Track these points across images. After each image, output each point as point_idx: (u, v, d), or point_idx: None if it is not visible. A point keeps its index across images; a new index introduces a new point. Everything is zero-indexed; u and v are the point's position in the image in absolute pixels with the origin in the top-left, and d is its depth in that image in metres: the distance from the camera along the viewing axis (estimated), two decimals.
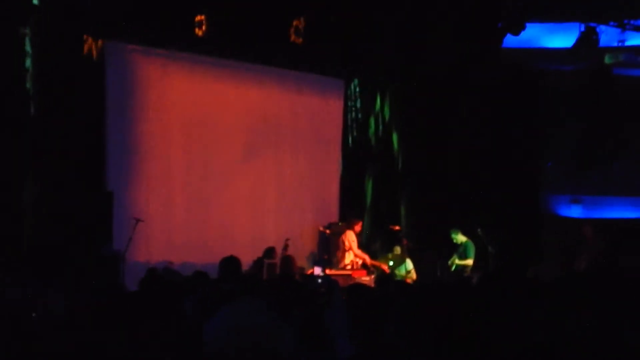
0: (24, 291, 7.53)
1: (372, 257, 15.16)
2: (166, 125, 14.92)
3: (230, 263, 8.10)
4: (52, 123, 13.01)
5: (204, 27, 14.45)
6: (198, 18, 14.42)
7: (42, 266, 11.64)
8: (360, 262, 14.46)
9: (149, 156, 14.70)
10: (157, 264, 12.12)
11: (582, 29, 16.86)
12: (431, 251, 15.86)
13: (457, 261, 15.19)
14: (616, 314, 5.71)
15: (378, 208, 17.47)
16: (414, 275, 15.09)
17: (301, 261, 14.22)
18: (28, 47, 12.89)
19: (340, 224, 16.17)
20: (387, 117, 17.34)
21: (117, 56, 14.42)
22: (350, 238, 14.58)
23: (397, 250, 15.08)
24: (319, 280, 12.48)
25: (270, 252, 13.92)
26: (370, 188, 17.56)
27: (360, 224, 15.16)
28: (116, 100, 14.34)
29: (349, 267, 14.30)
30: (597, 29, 16.68)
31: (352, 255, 14.47)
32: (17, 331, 6.27)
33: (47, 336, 6.12)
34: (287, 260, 13.04)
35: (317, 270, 13.73)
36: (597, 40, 16.68)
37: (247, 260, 11.70)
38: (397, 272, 14.81)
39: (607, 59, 18.01)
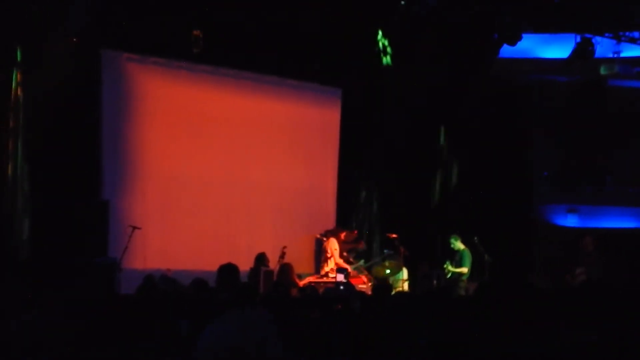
0: (19, 301, 7.51)
1: (370, 265, 15.18)
2: (162, 133, 14.91)
3: (229, 271, 8.07)
4: (47, 131, 12.97)
5: (200, 44, 14.52)
6: (195, 33, 14.46)
7: (37, 275, 11.61)
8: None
9: (144, 164, 14.69)
10: (154, 271, 12.06)
11: (578, 40, 16.89)
12: (427, 260, 15.87)
13: (451, 268, 15.18)
14: (614, 325, 5.72)
15: (375, 216, 17.49)
16: (406, 284, 15.07)
17: (298, 269, 14.19)
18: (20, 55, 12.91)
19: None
20: (383, 126, 17.33)
21: (114, 64, 14.41)
22: (332, 246, 14.60)
23: (387, 262, 15.01)
24: (341, 287, 12.51)
25: (261, 257, 13.88)
26: (368, 196, 17.57)
27: (345, 233, 15.15)
28: (112, 108, 14.34)
29: (331, 275, 14.32)
30: (593, 40, 16.70)
31: (333, 263, 14.49)
32: (12, 342, 6.25)
33: (43, 346, 6.11)
34: (285, 268, 13.02)
35: (340, 277, 13.76)
36: (593, 52, 16.70)
37: (244, 267, 11.68)
38: (392, 280, 14.76)
39: (602, 70, 18.02)
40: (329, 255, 14.52)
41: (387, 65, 16.62)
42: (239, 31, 14.74)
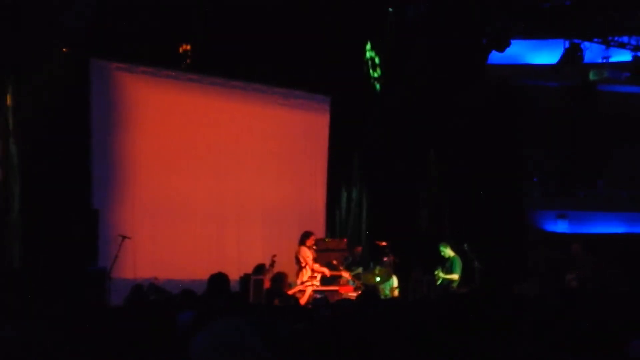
0: (9, 311, 7.47)
1: (358, 273, 15.14)
2: (151, 142, 14.88)
3: (219, 280, 8.07)
4: (37, 141, 12.96)
5: (189, 58, 14.64)
6: (183, 48, 14.53)
7: (27, 285, 11.58)
8: (318, 276, 14.44)
9: (134, 174, 14.65)
10: (143, 281, 12.06)
11: (567, 45, 16.95)
12: (418, 267, 15.85)
13: (441, 274, 15.20)
14: (604, 330, 5.71)
15: (364, 224, 17.50)
16: (396, 292, 15.04)
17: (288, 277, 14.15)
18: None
19: (326, 240, 16.13)
20: (372, 133, 17.35)
21: (102, 74, 14.39)
22: (304, 255, 14.45)
23: (377, 270, 14.95)
24: (318, 296, 12.47)
25: (260, 269, 13.86)
26: (357, 203, 17.59)
27: (313, 238, 15.01)
28: (101, 117, 14.30)
29: (307, 283, 14.25)
30: (582, 46, 16.76)
31: (309, 271, 14.41)
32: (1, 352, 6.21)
33: (31, 356, 6.06)
34: (280, 277, 12.98)
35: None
36: (582, 57, 16.76)
37: (233, 277, 11.66)
38: (382, 287, 14.75)
39: (591, 76, 18.09)
40: (302, 264, 14.45)
41: (375, 79, 16.70)
42: (228, 40, 14.76)
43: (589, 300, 6.93)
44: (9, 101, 12.86)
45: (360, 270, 15.33)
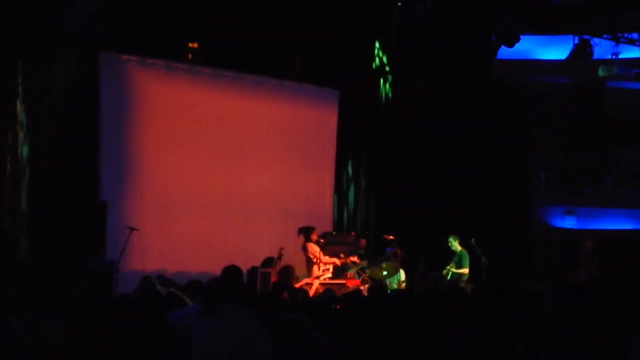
0: (16, 303, 7.50)
1: (363, 267, 15.14)
2: (160, 134, 14.91)
3: (233, 272, 8.08)
4: (46, 132, 12.98)
5: (197, 55, 14.78)
6: (191, 45, 14.62)
7: (35, 277, 11.61)
8: (330, 268, 14.46)
9: (143, 166, 14.68)
10: (151, 273, 12.08)
11: (576, 41, 16.92)
12: (422, 264, 15.85)
13: (453, 269, 15.16)
14: (612, 325, 5.73)
15: (372, 217, 17.51)
16: (403, 285, 15.03)
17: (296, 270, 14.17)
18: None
19: (334, 233, 16.14)
20: (380, 127, 17.36)
21: (112, 66, 14.42)
22: (312, 250, 14.41)
23: (385, 264, 14.93)
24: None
25: (268, 262, 13.87)
26: (365, 197, 17.61)
27: (316, 232, 14.99)
28: (110, 110, 14.33)
29: (322, 277, 14.27)
30: (591, 42, 16.74)
31: (322, 264, 14.41)
32: (9, 344, 6.26)
33: (40, 348, 6.11)
34: (287, 270, 12.97)
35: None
36: (591, 53, 16.73)
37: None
38: (389, 282, 14.76)
39: (600, 72, 18.04)
40: (314, 260, 14.43)
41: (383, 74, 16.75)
42: (237, 34, 14.77)
43: (593, 297, 6.93)
44: (19, 94, 12.90)
45: (364, 263, 15.32)
